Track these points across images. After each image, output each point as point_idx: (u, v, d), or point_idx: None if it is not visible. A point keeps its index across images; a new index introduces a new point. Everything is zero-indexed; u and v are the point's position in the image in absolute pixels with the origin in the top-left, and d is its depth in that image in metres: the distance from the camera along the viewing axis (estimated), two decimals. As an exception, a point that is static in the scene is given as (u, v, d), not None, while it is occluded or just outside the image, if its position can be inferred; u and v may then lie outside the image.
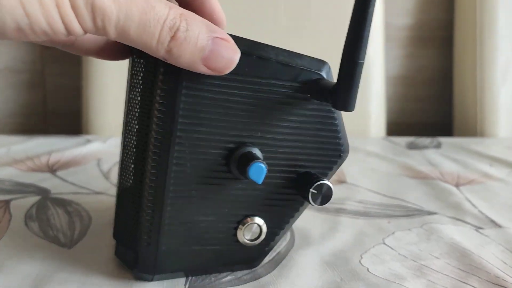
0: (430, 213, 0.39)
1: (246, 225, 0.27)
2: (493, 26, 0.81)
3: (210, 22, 0.23)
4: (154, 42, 0.21)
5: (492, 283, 0.28)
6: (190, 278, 0.28)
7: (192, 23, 0.22)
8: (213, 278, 0.28)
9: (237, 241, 0.27)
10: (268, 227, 0.28)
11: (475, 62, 0.82)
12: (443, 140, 0.72)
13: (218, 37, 0.22)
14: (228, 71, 0.23)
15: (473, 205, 0.42)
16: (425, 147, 0.67)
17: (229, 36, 0.23)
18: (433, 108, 0.92)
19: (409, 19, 0.90)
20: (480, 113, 0.82)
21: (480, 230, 0.36)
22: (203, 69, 0.23)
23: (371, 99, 0.81)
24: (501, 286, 0.27)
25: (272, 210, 0.28)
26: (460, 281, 0.28)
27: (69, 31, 0.20)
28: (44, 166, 0.51)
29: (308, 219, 0.37)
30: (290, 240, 0.33)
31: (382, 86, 0.83)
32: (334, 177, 0.50)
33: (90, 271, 0.28)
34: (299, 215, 0.29)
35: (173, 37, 0.21)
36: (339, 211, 0.39)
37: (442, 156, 0.61)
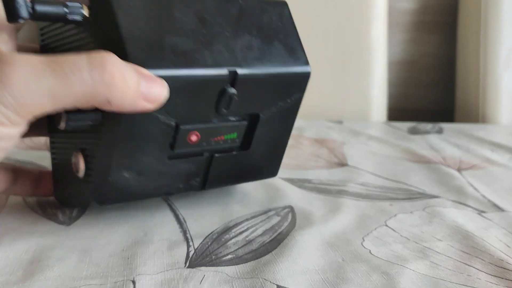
0: (432, 196, 0.39)
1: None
2: (497, 11, 0.80)
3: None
4: (90, 86, 0.22)
5: (496, 265, 0.27)
6: (191, 256, 0.27)
7: (117, 61, 0.23)
8: (213, 257, 0.27)
9: None
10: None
11: (478, 48, 0.81)
12: (445, 125, 0.72)
13: (145, 73, 0.24)
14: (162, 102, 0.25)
15: (475, 189, 0.41)
16: (426, 132, 0.67)
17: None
18: (435, 94, 0.92)
19: (412, 4, 0.89)
20: (483, 99, 0.81)
21: (483, 214, 0.35)
22: (143, 104, 0.24)
23: (373, 84, 0.80)
24: (504, 268, 0.27)
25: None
26: (463, 263, 0.28)
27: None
28: (43, 145, 0.51)
29: (310, 200, 0.37)
30: (291, 221, 0.33)
31: (384, 71, 0.82)
32: (335, 159, 0.50)
33: (89, 248, 0.28)
34: None
35: (110, 75, 0.22)
36: (341, 193, 0.39)
37: (444, 141, 0.61)
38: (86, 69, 0.22)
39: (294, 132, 0.63)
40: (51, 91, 0.21)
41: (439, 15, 0.90)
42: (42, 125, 0.31)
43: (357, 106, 0.79)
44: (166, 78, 0.25)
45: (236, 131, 0.31)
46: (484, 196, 0.39)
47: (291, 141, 0.56)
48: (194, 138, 0.29)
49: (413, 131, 0.67)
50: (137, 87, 0.23)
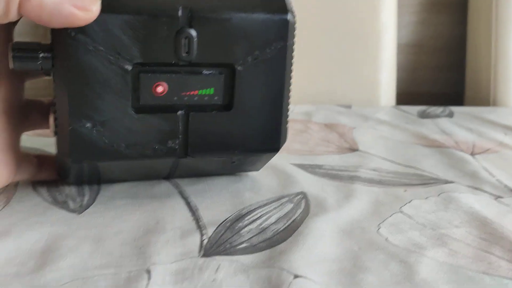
0: (447, 181, 0.38)
1: None
2: (510, -9, 0.78)
3: None
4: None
5: (516, 252, 0.27)
6: (204, 245, 0.27)
7: None
8: (227, 245, 0.27)
9: None
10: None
11: (490, 29, 0.80)
12: (455, 109, 0.71)
13: None
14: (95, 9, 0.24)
15: (490, 173, 0.40)
16: (437, 116, 0.66)
17: None
18: (444, 77, 0.90)
19: (421, -16, 0.87)
20: (494, 82, 0.80)
21: (500, 199, 0.35)
22: (71, 10, 0.23)
23: (382, 68, 0.79)
24: (525, 256, 0.26)
25: None
26: (483, 250, 0.27)
27: None
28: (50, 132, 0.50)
29: (322, 186, 0.36)
30: (305, 208, 0.32)
31: (393, 55, 0.81)
32: (345, 144, 0.49)
33: (101, 237, 0.27)
34: None
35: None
36: (353, 179, 0.38)
37: (455, 125, 0.60)
38: None
39: (302, 116, 0.62)
40: None
41: (449, -4, 0.88)
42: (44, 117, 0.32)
43: (365, 91, 0.78)
44: (108, 13, 0.25)
45: (213, 86, 0.29)
46: (499, 181, 0.39)
47: (299, 126, 0.55)
48: (160, 89, 0.28)
49: (423, 115, 0.66)
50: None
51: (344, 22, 0.79)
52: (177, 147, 0.30)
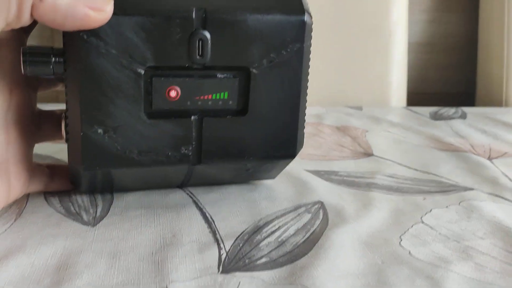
0: (466, 189, 0.37)
1: None
2: (522, -11, 0.77)
3: None
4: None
5: (545, 267, 0.26)
6: (223, 260, 0.26)
7: None
8: (247, 261, 0.26)
9: None
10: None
11: (502, 27, 0.79)
12: (468, 110, 0.70)
13: None
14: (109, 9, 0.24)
15: (510, 179, 0.40)
16: (450, 117, 0.65)
17: None
18: (456, 76, 0.89)
19: (432, -18, 0.86)
20: (506, 81, 0.79)
21: (523, 208, 0.34)
22: (85, 11, 0.23)
23: (393, 68, 0.78)
24: (554, 270, 0.26)
25: None
26: (509, 264, 0.26)
27: None
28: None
29: (339, 194, 0.35)
30: (323, 218, 0.31)
31: (404, 54, 0.80)
32: (360, 149, 0.48)
33: (117, 251, 0.27)
34: None
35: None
36: (370, 186, 0.37)
37: (469, 127, 0.59)
38: None
39: (313, 119, 0.61)
40: None
41: (460, -6, 0.86)
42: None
43: (376, 91, 0.77)
44: (120, 15, 0.25)
45: (227, 90, 0.28)
46: (520, 188, 0.38)
47: (311, 129, 0.55)
48: (173, 93, 0.27)
49: (436, 117, 0.65)
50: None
51: (354, 21, 0.78)
52: (190, 153, 0.29)
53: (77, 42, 0.25)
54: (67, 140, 0.28)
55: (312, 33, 0.30)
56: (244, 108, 0.30)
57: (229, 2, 0.27)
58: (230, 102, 0.29)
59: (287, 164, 0.34)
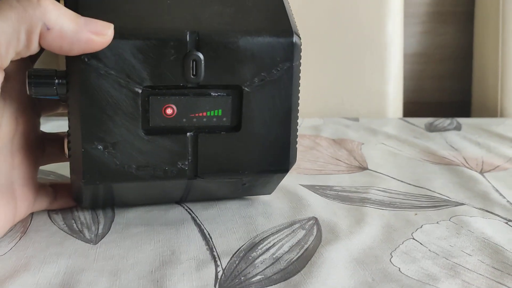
0: (457, 204, 0.38)
1: None
2: (516, 1, 0.78)
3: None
4: (20, 8, 0.23)
5: (529, 283, 0.27)
6: (219, 278, 0.27)
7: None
8: (242, 278, 0.27)
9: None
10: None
11: (497, 38, 0.80)
12: (463, 121, 0.71)
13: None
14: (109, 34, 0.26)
15: (501, 194, 0.41)
16: (445, 129, 0.66)
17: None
18: (451, 87, 0.90)
19: (428, -7, 0.87)
20: (501, 91, 0.80)
21: (510, 223, 0.35)
22: (88, 36, 0.25)
23: (389, 79, 0.79)
24: (538, 287, 0.27)
25: None
26: (495, 281, 0.27)
27: None
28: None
29: (333, 210, 0.37)
30: (317, 235, 0.33)
31: (400, 66, 0.81)
32: (355, 162, 0.49)
33: (118, 269, 0.28)
34: None
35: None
36: (364, 201, 0.39)
37: (463, 139, 0.60)
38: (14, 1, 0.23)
39: (310, 131, 0.62)
40: None
41: (456, 5, 0.88)
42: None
43: (373, 102, 0.78)
44: (119, 39, 0.27)
45: (221, 107, 0.30)
46: (510, 203, 0.39)
47: (308, 142, 0.56)
48: (169, 111, 0.29)
49: (431, 128, 0.66)
50: (76, 16, 0.25)
51: (350, 33, 0.79)
52: (187, 168, 0.31)
53: (78, 64, 0.27)
54: (69, 157, 0.30)
55: (301, 53, 0.31)
56: (238, 125, 0.31)
57: (221, 25, 0.29)
58: (224, 119, 0.31)
59: (281, 178, 0.35)
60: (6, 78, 0.27)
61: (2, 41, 0.23)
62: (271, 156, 0.32)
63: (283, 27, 0.30)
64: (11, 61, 0.25)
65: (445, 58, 0.89)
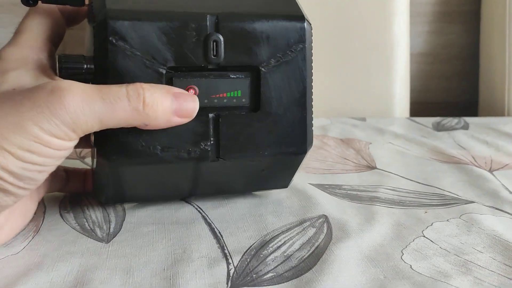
0: (467, 201, 0.38)
1: None
2: (523, 0, 0.78)
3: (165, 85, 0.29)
4: (129, 113, 0.26)
5: (541, 280, 0.27)
6: (232, 276, 0.27)
7: (151, 89, 0.27)
8: (254, 275, 0.27)
9: None
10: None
11: (504, 37, 0.80)
12: (470, 120, 0.71)
13: (177, 92, 0.28)
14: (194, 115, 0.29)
15: (510, 192, 0.41)
16: (452, 128, 0.66)
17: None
18: (458, 87, 0.90)
19: (434, -7, 0.87)
20: (509, 91, 0.80)
21: (521, 221, 0.35)
22: (177, 120, 0.28)
23: (395, 79, 0.79)
24: (550, 283, 0.27)
25: None
26: (507, 277, 0.27)
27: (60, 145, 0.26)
28: (73, 153, 0.51)
29: (343, 208, 0.37)
30: (327, 232, 0.33)
31: (406, 65, 0.81)
32: (363, 161, 0.49)
33: (130, 267, 0.28)
34: None
35: (144, 103, 0.27)
36: (373, 200, 0.39)
37: (471, 138, 0.60)
38: (126, 99, 0.26)
39: (318, 131, 0.62)
40: (99, 115, 0.26)
41: (462, 4, 0.88)
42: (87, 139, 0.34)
43: (379, 102, 0.78)
44: (144, 21, 0.28)
45: (239, 88, 0.31)
46: (520, 201, 0.39)
47: (316, 142, 0.56)
48: (191, 92, 0.30)
49: (438, 127, 0.66)
50: (170, 108, 0.28)
51: (356, 33, 0.79)
52: (209, 149, 0.31)
53: (107, 45, 0.28)
54: (95, 139, 0.30)
55: (312, 37, 0.33)
56: (256, 106, 0.32)
57: (238, 9, 0.31)
58: (243, 100, 0.32)
59: (299, 164, 0.35)
60: None
61: (95, 124, 0.26)
62: (289, 137, 0.33)
63: (295, 13, 0.33)
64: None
65: (452, 57, 0.89)
